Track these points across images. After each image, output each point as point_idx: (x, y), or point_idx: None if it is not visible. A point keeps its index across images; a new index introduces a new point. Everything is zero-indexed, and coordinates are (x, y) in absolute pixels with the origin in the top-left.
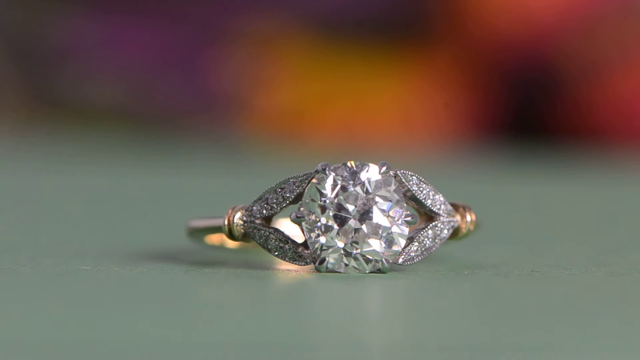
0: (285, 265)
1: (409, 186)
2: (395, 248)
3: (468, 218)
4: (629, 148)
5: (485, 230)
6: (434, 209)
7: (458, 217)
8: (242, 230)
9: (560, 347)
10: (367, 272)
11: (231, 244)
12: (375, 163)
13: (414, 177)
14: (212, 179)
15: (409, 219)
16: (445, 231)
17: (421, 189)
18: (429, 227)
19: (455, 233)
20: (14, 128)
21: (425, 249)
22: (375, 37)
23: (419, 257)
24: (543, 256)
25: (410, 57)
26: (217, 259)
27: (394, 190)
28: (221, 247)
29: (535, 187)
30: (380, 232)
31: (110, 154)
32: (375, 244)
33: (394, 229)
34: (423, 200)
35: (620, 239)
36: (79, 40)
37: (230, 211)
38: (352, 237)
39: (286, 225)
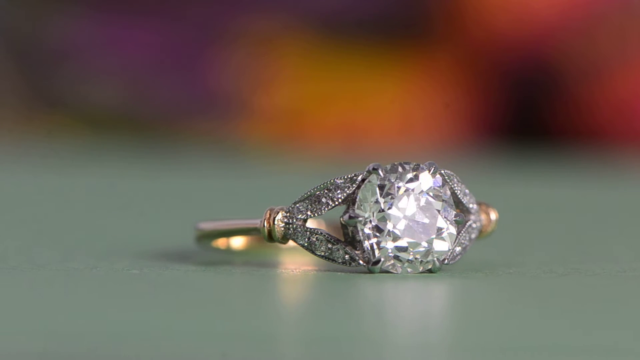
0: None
1: (451, 185)
2: (446, 248)
3: (492, 217)
4: (629, 148)
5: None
6: (469, 208)
7: (484, 216)
8: (283, 232)
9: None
10: (419, 272)
11: (237, 246)
12: (423, 163)
13: (453, 177)
14: (212, 179)
15: (457, 218)
16: (476, 231)
17: (460, 188)
18: (466, 226)
19: (480, 232)
20: (14, 128)
21: (463, 249)
22: (375, 38)
23: (459, 257)
24: (551, 256)
25: (410, 58)
26: (248, 261)
27: (445, 191)
28: (227, 250)
29: (535, 187)
30: (435, 232)
31: (110, 154)
32: (430, 244)
33: (449, 229)
34: (462, 199)
35: (620, 239)
36: (79, 40)
37: (268, 213)
38: (407, 237)
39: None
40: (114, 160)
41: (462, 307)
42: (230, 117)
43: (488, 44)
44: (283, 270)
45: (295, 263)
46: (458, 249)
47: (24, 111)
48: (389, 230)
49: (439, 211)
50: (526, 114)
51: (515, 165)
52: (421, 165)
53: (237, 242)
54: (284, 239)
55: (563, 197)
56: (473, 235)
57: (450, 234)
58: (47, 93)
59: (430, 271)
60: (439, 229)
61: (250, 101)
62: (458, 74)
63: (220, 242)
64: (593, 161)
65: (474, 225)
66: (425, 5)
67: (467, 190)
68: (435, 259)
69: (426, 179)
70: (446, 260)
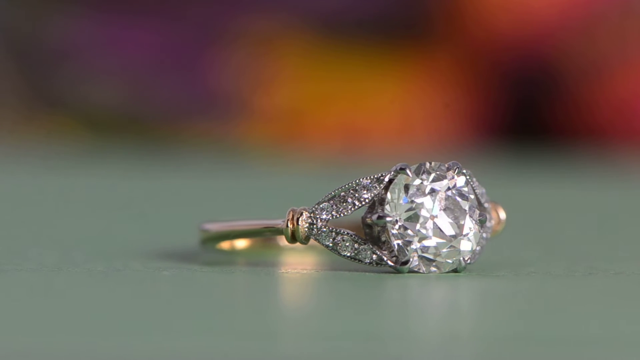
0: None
1: (472, 184)
2: (471, 248)
3: (502, 216)
4: (630, 148)
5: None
6: (485, 208)
7: (494, 215)
8: (307, 233)
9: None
10: (444, 271)
11: (240, 247)
12: (446, 163)
13: (472, 176)
14: (212, 179)
15: (481, 218)
16: (490, 230)
17: (478, 187)
18: (484, 226)
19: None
20: (14, 128)
21: (482, 248)
22: (375, 38)
23: (478, 256)
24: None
25: (410, 58)
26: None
27: (469, 190)
28: (230, 251)
29: (535, 187)
30: (462, 232)
31: (110, 154)
32: (457, 244)
33: (474, 228)
34: (480, 199)
35: (620, 239)
36: (79, 40)
37: (291, 214)
38: (435, 237)
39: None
40: (114, 160)
41: (498, 306)
42: (230, 117)
43: (488, 43)
44: (298, 271)
45: (303, 264)
46: (478, 248)
47: (24, 111)
48: (417, 231)
49: (465, 211)
50: (526, 113)
51: (515, 165)
52: (446, 165)
53: (241, 243)
54: (306, 239)
55: (563, 196)
56: (488, 235)
57: (475, 234)
58: (47, 93)
59: (455, 271)
60: (466, 229)
61: (250, 101)
62: (458, 74)
63: (225, 243)
64: (593, 161)
65: (488, 225)
66: (425, 5)
67: (483, 190)
68: (461, 258)
69: (452, 179)
70: (469, 260)
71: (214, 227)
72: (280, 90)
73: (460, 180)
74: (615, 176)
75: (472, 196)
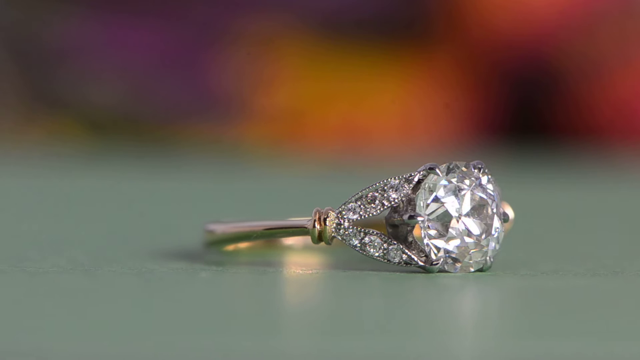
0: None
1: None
2: (496, 247)
3: (510, 215)
4: (630, 147)
5: None
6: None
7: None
8: (334, 234)
9: None
10: (472, 271)
11: (245, 247)
12: (470, 162)
13: (492, 176)
14: (212, 179)
15: (505, 217)
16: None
17: (497, 187)
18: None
19: None
20: (14, 129)
21: (500, 246)
22: (375, 38)
23: (496, 254)
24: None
25: (411, 58)
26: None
27: (494, 189)
28: (234, 252)
29: (535, 187)
30: (490, 231)
31: (110, 154)
32: (486, 244)
33: (500, 228)
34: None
35: (620, 239)
36: (79, 40)
37: (318, 214)
38: (465, 237)
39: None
40: (114, 160)
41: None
42: (230, 118)
43: (488, 43)
44: (313, 271)
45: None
46: (498, 247)
47: (24, 112)
48: (446, 230)
49: (493, 210)
50: (526, 113)
51: (515, 164)
52: (471, 163)
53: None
54: (332, 240)
55: (563, 196)
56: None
57: (500, 234)
58: (47, 93)
59: (480, 270)
60: (493, 229)
61: (250, 101)
62: (458, 73)
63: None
64: (593, 160)
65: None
66: (425, 5)
67: (499, 189)
68: (487, 257)
69: (479, 178)
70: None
71: (226, 227)
72: (280, 90)
73: (484, 179)
74: (615, 176)
75: (498, 196)
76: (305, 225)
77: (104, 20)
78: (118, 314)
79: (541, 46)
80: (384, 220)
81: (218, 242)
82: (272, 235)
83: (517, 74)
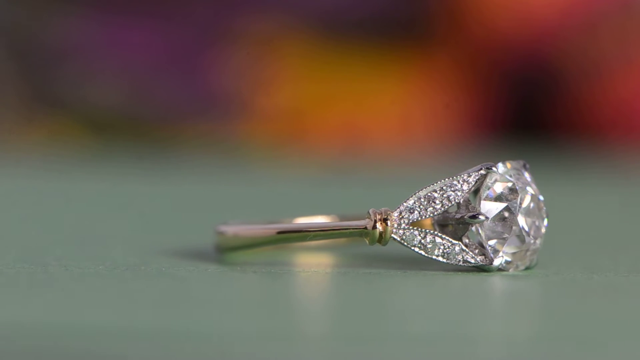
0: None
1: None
2: (540, 246)
3: None
4: (630, 147)
5: None
6: None
7: None
8: (394, 234)
9: None
10: (523, 268)
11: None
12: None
13: None
14: (212, 179)
15: (546, 216)
16: None
17: None
18: None
19: None
20: (15, 129)
21: None
22: (375, 38)
23: None
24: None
25: (411, 58)
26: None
27: (536, 189)
28: (244, 253)
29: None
30: (540, 232)
31: (110, 154)
32: (537, 243)
33: (544, 227)
34: None
35: (620, 239)
36: (79, 40)
37: (377, 215)
38: (524, 236)
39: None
40: (115, 161)
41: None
42: (231, 118)
43: (488, 43)
44: (338, 271)
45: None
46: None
47: (24, 112)
48: (506, 229)
49: (543, 210)
50: (527, 113)
51: None
52: (521, 163)
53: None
54: (387, 240)
55: (564, 196)
56: None
57: (545, 233)
58: (47, 94)
59: (527, 268)
60: (543, 228)
61: (250, 102)
62: (458, 73)
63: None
64: (594, 160)
65: None
66: (426, 5)
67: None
68: (535, 256)
69: (528, 178)
70: None
71: (244, 230)
72: (281, 90)
73: (530, 178)
74: (616, 175)
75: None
76: (365, 226)
77: (104, 21)
78: (117, 314)
79: (541, 46)
80: (434, 221)
81: (237, 248)
82: (327, 236)
83: (517, 74)
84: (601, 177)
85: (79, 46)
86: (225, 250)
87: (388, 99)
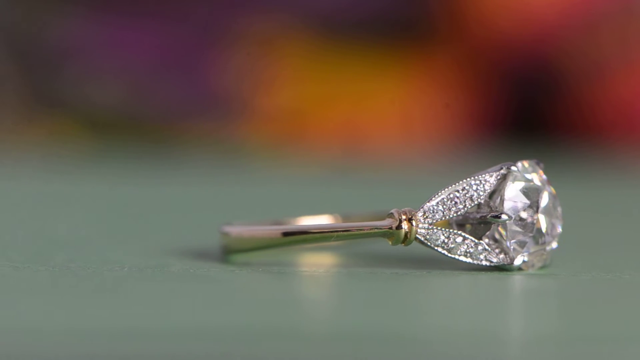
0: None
1: None
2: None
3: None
4: (631, 147)
5: None
6: None
7: None
8: (418, 234)
9: None
10: (538, 267)
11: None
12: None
13: None
14: (213, 179)
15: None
16: None
17: None
18: None
19: None
20: (15, 129)
21: None
22: (375, 38)
23: None
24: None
25: (411, 58)
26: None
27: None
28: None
29: None
30: (557, 231)
31: (111, 155)
32: (553, 243)
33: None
34: None
35: (620, 238)
36: (79, 40)
37: (403, 215)
38: (540, 236)
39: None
40: (115, 161)
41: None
42: (231, 118)
43: (489, 43)
44: (346, 271)
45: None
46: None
47: (25, 112)
48: (528, 229)
49: (558, 211)
50: (527, 113)
51: None
52: (537, 162)
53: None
54: (412, 240)
55: (564, 196)
56: None
57: (559, 233)
58: (48, 94)
59: (542, 267)
60: (559, 228)
61: (251, 102)
62: (459, 73)
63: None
64: (594, 160)
65: None
66: (426, 5)
67: None
68: (549, 256)
69: (544, 177)
70: None
71: (274, 232)
72: (281, 90)
73: (546, 178)
74: (617, 175)
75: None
76: (391, 226)
77: (104, 21)
78: (118, 314)
79: (542, 46)
80: (452, 221)
81: (249, 250)
82: (350, 237)
83: (518, 74)
84: (602, 177)
85: (79, 46)
86: (234, 252)
87: (388, 99)
